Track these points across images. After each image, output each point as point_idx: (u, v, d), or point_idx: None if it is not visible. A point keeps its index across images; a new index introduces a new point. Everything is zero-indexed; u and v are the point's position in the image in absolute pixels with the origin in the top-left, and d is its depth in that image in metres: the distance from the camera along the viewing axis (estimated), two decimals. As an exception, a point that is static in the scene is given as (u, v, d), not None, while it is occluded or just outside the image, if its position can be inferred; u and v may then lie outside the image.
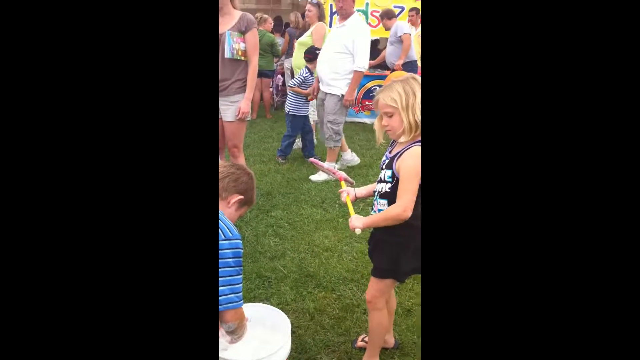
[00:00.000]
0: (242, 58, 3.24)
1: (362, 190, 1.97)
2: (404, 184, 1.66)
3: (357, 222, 1.74)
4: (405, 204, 1.65)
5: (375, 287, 1.87)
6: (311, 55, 4.76)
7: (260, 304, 1.90)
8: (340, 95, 4.27)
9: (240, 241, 1.48)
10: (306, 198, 3.91)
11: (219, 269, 1.39)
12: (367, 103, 6.99)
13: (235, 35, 3.16)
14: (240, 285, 1.47)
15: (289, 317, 1.76)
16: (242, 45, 3.22)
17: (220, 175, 1.62)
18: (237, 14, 3.21)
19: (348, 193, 1.95)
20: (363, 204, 3.59)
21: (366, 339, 2.12)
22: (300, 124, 4.88)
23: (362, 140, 5.93)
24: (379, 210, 1.78)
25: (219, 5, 3.12)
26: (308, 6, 5.20)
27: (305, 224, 3.40)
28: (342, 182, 2.10)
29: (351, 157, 4.86)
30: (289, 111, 4.86)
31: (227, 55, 3.17)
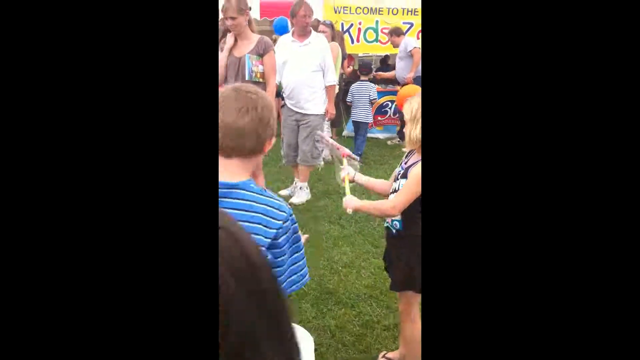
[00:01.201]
0: (261, 80, 3.34)
1: (362, 178, 2.04)
2: (405, 187, 1.74)
3: (352, 202, 1.84)
4: (396, 203, 1.74)
5: (401, 299, 1.96)
6: (367, 69, 5.96)
7: (284, 322, 1.94)
8: (322, 113, 4.29)
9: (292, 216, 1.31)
10: (323, 215, 3.96)
11: (288, 256, 1.26)
12: (379, 119, 7.05)
13: (254, 59, 3.27)
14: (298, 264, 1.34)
15: (310, 334, 1.80)
16: (260, 68, 3.32)
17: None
18: (255, 38, 3.33)
19: (348, 173, 2.01)
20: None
21: (387, 355, 2.15)
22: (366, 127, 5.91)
23: (376, 155, 5.99)
24: (392, 222, 1.84)
25: (238, 31, 3.23)
26: (321, 27, 5.30)
27: (324, 240, 3.45)
28: (345, 159, 2.09)
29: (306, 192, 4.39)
30: (362, 120, 5.74)
31: (247, 77, 3.27)
